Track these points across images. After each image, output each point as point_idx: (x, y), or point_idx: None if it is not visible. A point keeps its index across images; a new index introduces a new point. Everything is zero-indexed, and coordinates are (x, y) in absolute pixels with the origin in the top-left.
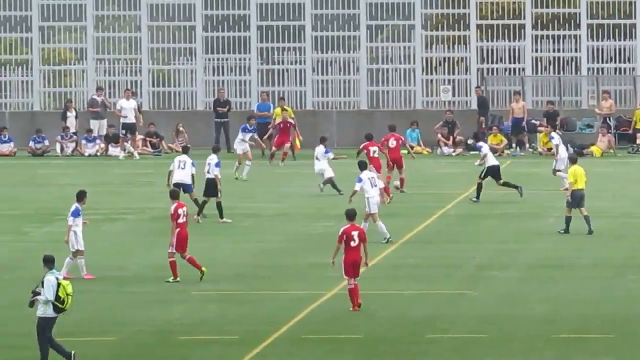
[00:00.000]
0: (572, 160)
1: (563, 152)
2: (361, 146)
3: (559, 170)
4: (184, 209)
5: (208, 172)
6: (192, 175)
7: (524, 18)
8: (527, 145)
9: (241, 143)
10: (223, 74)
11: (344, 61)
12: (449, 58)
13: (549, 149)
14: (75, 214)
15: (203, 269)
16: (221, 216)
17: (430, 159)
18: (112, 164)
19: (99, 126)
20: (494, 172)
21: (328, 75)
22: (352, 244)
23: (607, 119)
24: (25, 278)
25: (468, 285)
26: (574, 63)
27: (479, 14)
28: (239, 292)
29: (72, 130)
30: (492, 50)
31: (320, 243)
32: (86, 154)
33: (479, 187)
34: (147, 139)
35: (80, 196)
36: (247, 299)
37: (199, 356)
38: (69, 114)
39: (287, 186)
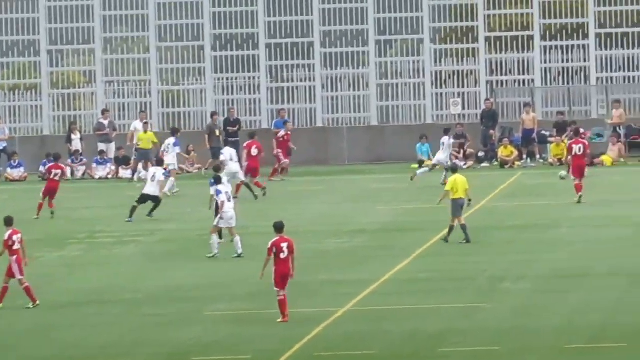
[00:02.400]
0: (453, 170)
1: None
2: None
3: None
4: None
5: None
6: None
7: (533, 29)
8: (538, 157)
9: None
10: (233, 93)
11: (353, 77)
12: (458, 71)
13: (560, 160)
14: None
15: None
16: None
17: (441, 172)
18: (123, 187)
19: (107, 149)
20: None
21: (338, 92)
22: (282, 255)
23: (617, 128)
24: (41, 303)
25: (481, 298)
26: (583, 73)
27: (487, 27)
28: (252, 312)
29: (79, 152)
30: (502, 62)
31: (333, 260)
32: (97, 176)
33: None
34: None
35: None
36: (260, 318)
37: None
38: (73, 136)
39: (298, 204)
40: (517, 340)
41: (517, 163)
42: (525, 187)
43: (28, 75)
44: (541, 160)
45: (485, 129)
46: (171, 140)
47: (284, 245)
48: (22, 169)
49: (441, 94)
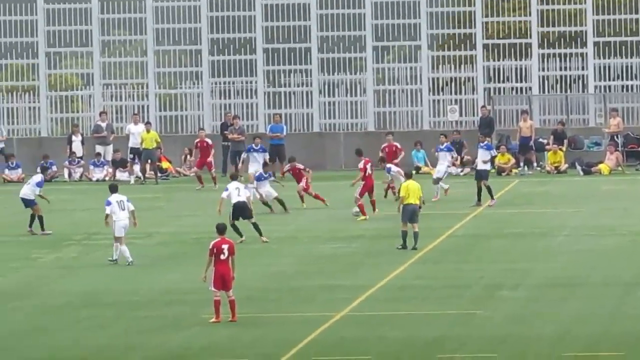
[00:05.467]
0: (407, 176)
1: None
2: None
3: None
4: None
5: (239, 195)
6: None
7: (530, 37)
8: (535, 164)
9: (253, 164)
10: (230, 97)
11: (350, 83)
12: (455, 78)
13: (557, 168)
14: None
15: None
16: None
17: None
18: (120, 189)
19: (104, 151)
20: None
21: (335, 97)
22: (222, 257)
23: (615, 137)
24: (36, 305)
25: (477, 305)
26: (581, 81)
27: (485, 34)
28: (250, 315)
29: (79, 154)
30: (499, 69)
31: (329, 265)
32: (94, 178)
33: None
34: (158, 164)
35: None
36: (258, 322)
37: None
38: (74, 138)
39: (294, 209)
40: (514, 348)
41: (514, 170)
42: (522, 194)
43: (26, 77)
44: (538, 168)
45: (482, 136)
46: None
47: (225, 246)
48: (19, 170)
49: (438, 100)
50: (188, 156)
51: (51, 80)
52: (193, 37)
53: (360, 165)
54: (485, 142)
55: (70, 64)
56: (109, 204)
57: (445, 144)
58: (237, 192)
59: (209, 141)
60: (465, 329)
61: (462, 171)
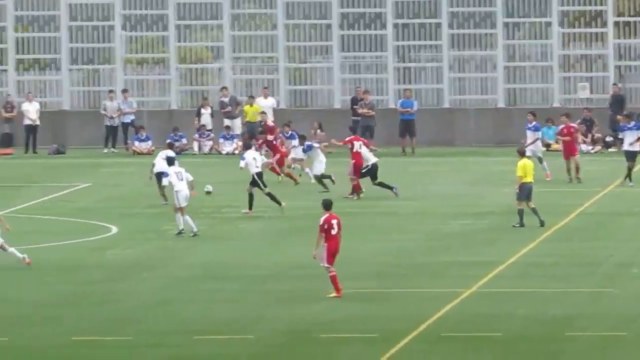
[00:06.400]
0: (521, 154)
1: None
2: (346, 139)
3: None
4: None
5: (256, 167)
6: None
7: None
8: None
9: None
10: (360, 72)
11: (480, 59)
12: (586, 55)
13: None
14: None
15: None
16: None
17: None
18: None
19: (232, 125)
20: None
21: (465, 73)
22: (332, 232)
23: None
24: (164, 277)
25: (607, 283)
26: None
27: (616, 11)
28: (378, 290)
29: (208, 127)
30: (631, 47)
31: (458, 241)
32: (224, 152)
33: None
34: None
35: None
36: (386, 297)
37: (339, 354)
38: (203, 111)
39: (423, 184)
40: None
41: None
42: None
43: (156, 50)
44: None
45: (612, 114)
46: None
47: (334, 221)
48: (149, 143)
49: (569, 78)
50: (318, 130)
51: (181, 52)
52: (323, 11)
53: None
54: (633, 123)
55: (200, 37)
56: (167, 175)
57: (533, 123)
58: (254, 162)
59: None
60: (594, 307)
61: (592, 149)
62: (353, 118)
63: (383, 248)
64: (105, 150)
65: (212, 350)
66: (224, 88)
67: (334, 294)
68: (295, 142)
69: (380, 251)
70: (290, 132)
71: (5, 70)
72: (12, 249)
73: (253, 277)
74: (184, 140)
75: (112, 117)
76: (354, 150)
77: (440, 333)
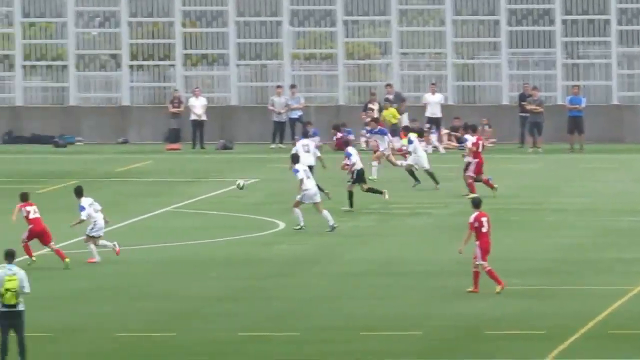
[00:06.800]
0: None
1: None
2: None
3: None
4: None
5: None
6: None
7: None
8: None
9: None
10: (528, 68)
11: None
12: None
13: None
14: (81, 209)
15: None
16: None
17: None
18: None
19: (399, 121)
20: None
21: (634, 70)
22: (483, 229)
23: None
24: (332, 272)
25: None
26: None
27: None
28: (545, 287)
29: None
30: None
31: (627, 237)
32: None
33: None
34: (452, 133)
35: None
36: (553, 294)
37: (505, 351)
38: (370, 106)
39: (593, 181)
40: None
41: None
42: None
43: (323, 45)
44: None
45: None
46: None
47: (484, 219)
48: (317, 138)
49: None
50: (486, 127)
51: (349, 48)
52: (491, 6)
53: None
54: None
55: (367, 33)
56: (296, 171)
57: None
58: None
59: None
60: None
61: None
62: (521, 114)
63: (550, 244)
64: (273, 146)
65: (380, 347)
66: (389, 85)
67: (498, 288)
68: (387, 136)
69: (547, 247)
70: (378, 127)
71: (173, 66)
72: (102, 241)
73: (418, 273)
74: (351, 137)
75: (279, 113)
76: (478, 149)
77: (608, 330)
